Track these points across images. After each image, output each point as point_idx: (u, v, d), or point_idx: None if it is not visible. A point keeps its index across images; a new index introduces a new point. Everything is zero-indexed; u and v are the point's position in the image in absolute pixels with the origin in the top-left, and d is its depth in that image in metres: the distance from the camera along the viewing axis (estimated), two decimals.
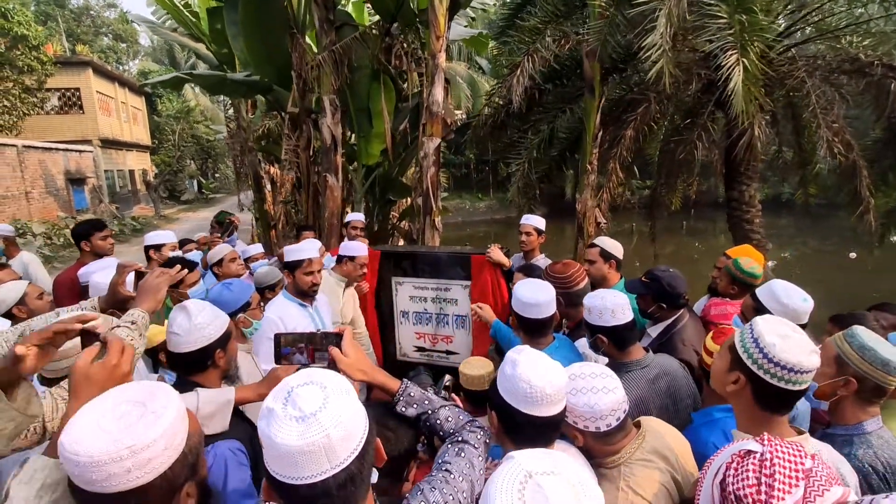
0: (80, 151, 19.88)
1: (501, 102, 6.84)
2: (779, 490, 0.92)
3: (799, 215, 19.50)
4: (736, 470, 0.98)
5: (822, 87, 5.60)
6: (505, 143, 7.87)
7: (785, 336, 1.29)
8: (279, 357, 1.38)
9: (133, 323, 1.52)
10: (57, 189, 17.73)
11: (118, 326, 1.50)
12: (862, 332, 1.59)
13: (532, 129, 7.29)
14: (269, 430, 0.83)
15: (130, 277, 1.75)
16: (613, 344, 2.00)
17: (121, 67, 33.25)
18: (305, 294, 2.88)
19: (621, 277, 3.08)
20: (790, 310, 1.98)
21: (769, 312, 2.00)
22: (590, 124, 5.54)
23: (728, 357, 1.39)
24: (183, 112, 28.17)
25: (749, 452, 0.98)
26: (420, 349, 4.23)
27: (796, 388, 1.26)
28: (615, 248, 3.13)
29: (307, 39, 6.41)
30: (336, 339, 1.37)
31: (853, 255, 14.45)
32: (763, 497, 0.92)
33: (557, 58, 6.32)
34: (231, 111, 12.63)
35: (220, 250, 3.67)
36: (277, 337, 1.38)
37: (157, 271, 1.68)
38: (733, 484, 0.97)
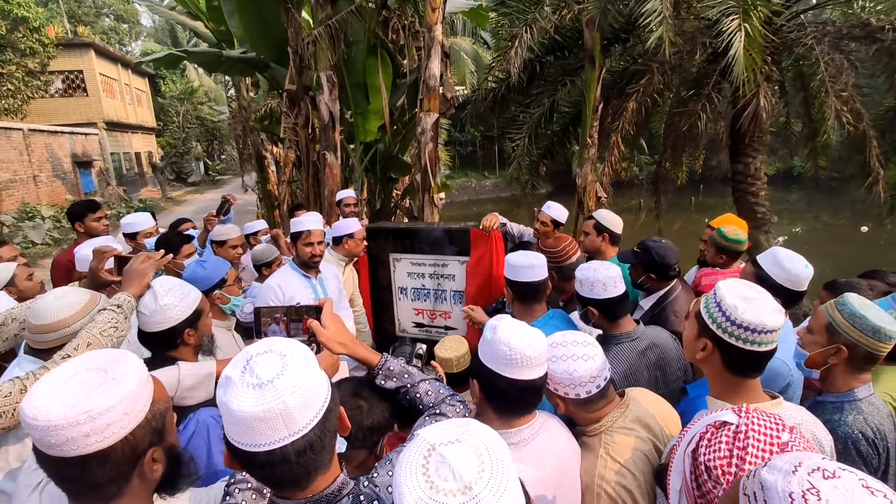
0: (86, 134, 19.93)
1: (501, 76, 6.71)
2: (750, 464, 0.89)
3: (810, 190, 19.22)
4: (709, 441, 0.96)
5: (830, 53, 5.41)
6: (506, 119, 7.75)
7: (747, 298, 1.28)
8: (258, 330, 1.39)
9: (119, 307, 1.56)
10: (64, 172, 17.85)
11: (104, 309, 1.54)
12: (853, 300, 1.57)
13: (533, 103, 7.16)
14: (226, 397, 0.84)
15: (111, 262, 1.79)
16: (604, 316, 2.00)
17: (123, 49, 33.05)
18: (308, 265, 2.94)
19: (617, 252, 3.07)
20: (792, 276, 1.97)
21: (771, 279, 1.99)
22: (590, 96, 5.42)
23: (695, 324, 1.38)
24: (186, 93, 28.05)
25: (724, 423, 0.96)
26: (419, 325, 4.25)
27: (762, 348, 1.25)
28: (613, 221, 3.10)
29: (303, 14, 6.29)
30: (315, 311, 1.37)
31: (864, 228, 14.23)
32: (733, 470, 0.90)
33: (558, 29, 6.16)
34: (232, 91, 12.55)
35: (227, 232, 3.62)
36: (257, 310, 1.39)
37: (141, 256, 1.70)
38: (705, 455, 0.95)
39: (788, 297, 1.98)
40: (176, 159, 28.24)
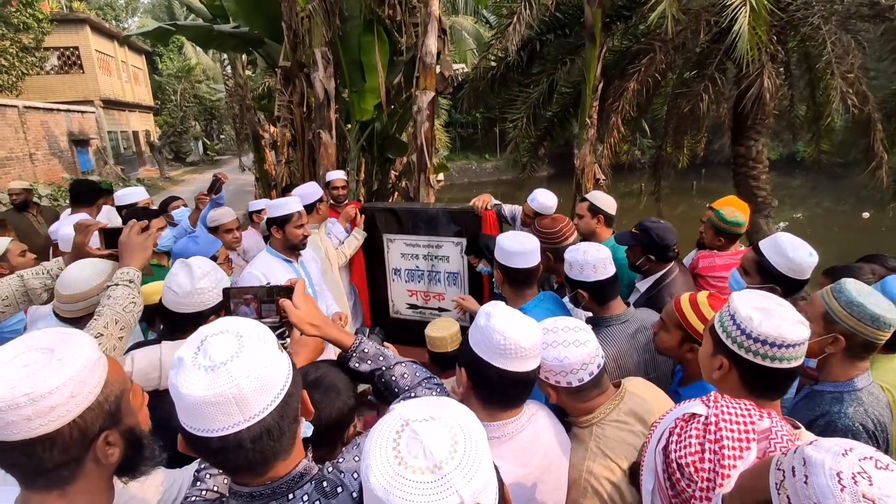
0: (83, 112, 19.71)
1: (501, 54, 6.57)
2: (729, 458, 0.83)
3: (813, 175, 19.07)
4: (679, 436, 0.89)
5: (838, 33, 5.28)
6: (506, 99, 7.61)
7: (764, 309, 1.17)
8: (228, 311, 1.33)
9: (131, 282, 1.52)
10: (61, 150, 17.70)
11: (116, 285, 1.49)
12: (850, 287, 1.51)
13: (533, 83, 7.03)
14: (177, 380, 0.79)
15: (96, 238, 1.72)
16: (594, 299, 1.96)
17: (119, 25, 32.50)
18: (293, 249, 2.84)
19: (613, 234, 3.01)
20: (795, 264, 1.88)
21: (772, 266, 1.91)
22: (590, 76, 5.30)
23: (710, 340, 1.28)
24: (184, 71, 27.66)
25: (693, 416, 0.90)
26: (412, 306, 4.23)
27: (784, 365, 1.13)
28: (607, 203, 3.04)
29: None
30: (286, 292, 1.31)
31: (866, 214, 14.15)
32: (706, 466, 0.84)
33: (559, 5, 6.02)
34: (228, 69, 12.37)
35: (218, 217, 3.51)
36: (226, 291, 1.33)
37: (134, 226, 1.62)
38: (676, 451, 0.89)
39: (790, 287, 1.91)
40: (174, 138, 27.98)
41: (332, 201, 4.26)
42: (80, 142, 19.12)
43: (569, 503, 1.35)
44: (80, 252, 1.67)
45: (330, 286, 3.38)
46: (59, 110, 17.91)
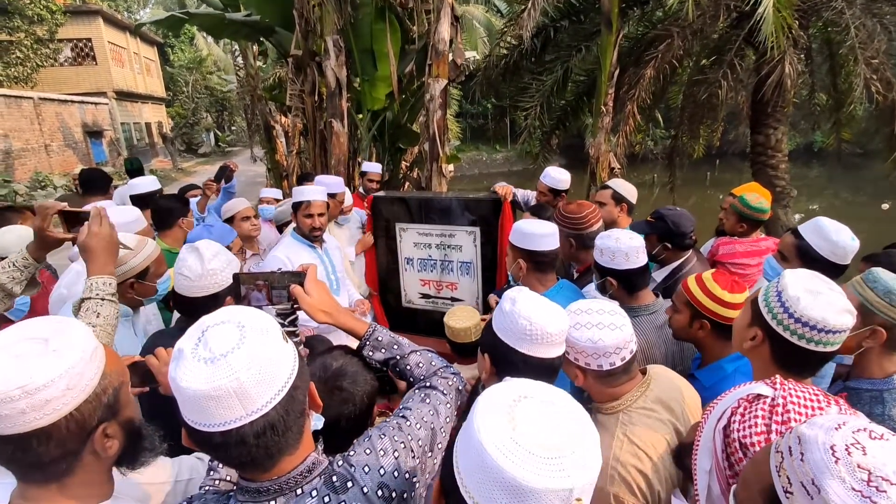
0: (96, 104, 19.90)
1: (514, 42, 6.47)
2: None
3: (831, 165, 18.68)
4: (742, 416, 0.87)
5: (862, 18, 5.12)
6: (518, 88, 7.50)
7: (813, 291, 1.14)
8: (238, 297, 1.31)
9: (114, 295, 1.41)
10: (75, 142, 17.90)
11: (102, 300, 1.39)
12: (884, 275, 1.43)
13: (547, 71, 6.92)
14: (176, 372, 0.76)
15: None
16: (623, 288, 1.91)
17: (131, 16, 32.65)
18: (306, 237, 2.84)
19: (632, 222, 2.97)
20: (839, 248, 1.82)
21: (814, 250, 1.85)
22: (606, 62, 5.19)
23: (749, 311, 1.27)
24: (195, 62, 27.78)
25: (759, 397, 0.88)
26: (425, 296, 4.20)
27: (820, 348, 1.12)
28: (629, 191, 2.99)
29: None
30: (298, 277, 1.29)
31: (885, 206, 13.85)
32: None
33: None
34: (240, 59, 12.37)
35: (231, 208, 3.44)
36: (236, 276, 1.30)
37: (97, 219, 1.46)
38: (739, 431, 0.86)
39: (831, 272, 1.82)
40: (186, 130, 28.16)
41: (361, 190, 4.28)
42: (93, 133, 19.32)
43: (595, 491, 1.32)
44: (40, 236, 1.53)
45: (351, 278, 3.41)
46: (73, 102, 18.10)
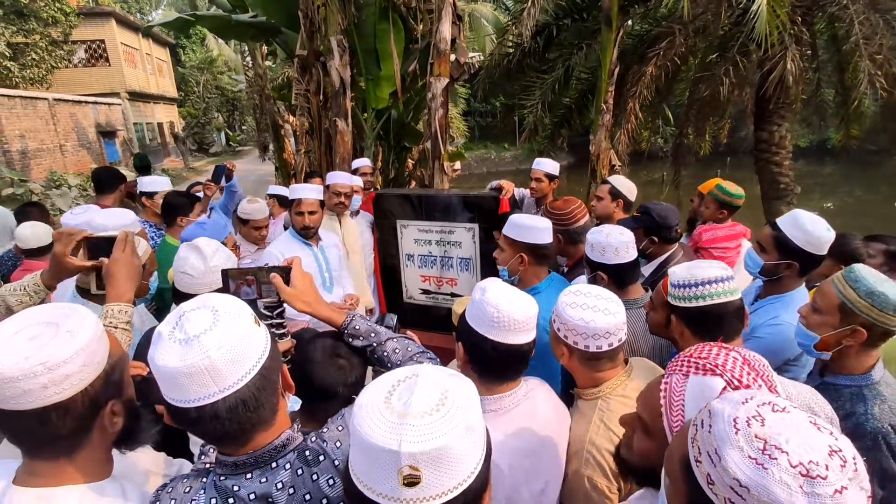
0: (109, 104, 20.17)
1: (517, 40, 6.49)
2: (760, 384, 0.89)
3: (844, 163, 18.39)
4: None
5: (866, 13, 5.08)
6: (522, 86, 7.52)
7: (689, 265, 1.45)
8: (227, 292, 1.35)
9: (129, 323, 1.41)
10: (89, 142, 18.17)
11: (115, 328, 1.37)
12: (866, 273, 1.43)
13: (549, 70, 6.94)
14: (154, 352, 0.83)
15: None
16: (614, 282, 1.95)
17: (143, 18, 33.07)
18: (300, 234, 2.92)
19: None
20: (814, 237, 1.86)
21: (791, 241, 1.88)
22: (606, 60, 5.21)
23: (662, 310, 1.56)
24: (206, 63, 28.07)
25: (723, 391, 0.89)
26: (426, 292, 4.26)
27: (709, 302, 1.44)
28: (628, 187, 3.03)
29: None
30: (284, 272, 1.34)
31: None
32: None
33: None
34: (249, 59, 12.51)
35: (256, 211, 3.46)
36: (224, 273, 1.36)
37: (127, 244, 1.45)
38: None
39: (808, 262, 1.89)
40: (197, 129, 28.49)
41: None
42: (107, 133, 19.60)
43: (569, 473, 1.37)
44: (60, 264, 1.47)
45: (352, 272, 3.46)
46: (86, 102, 18.37)
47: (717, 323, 1.45)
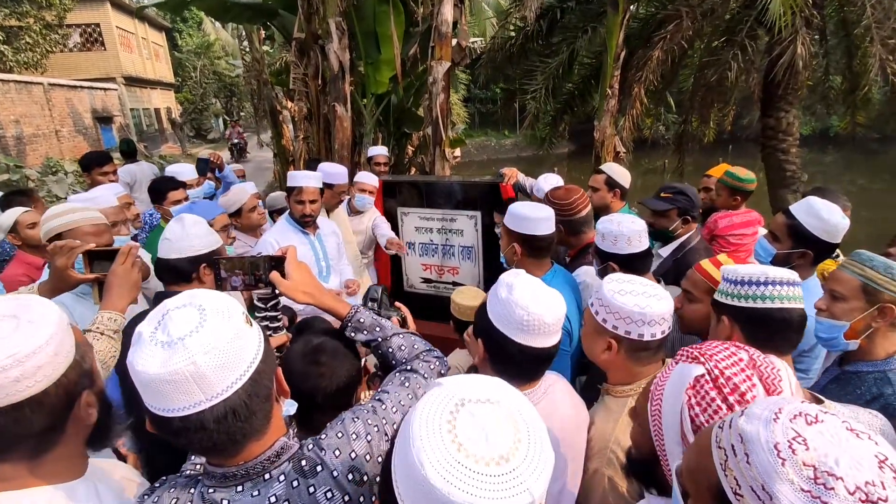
0: (105, 90, 19.95)
1: (520, 24, 6.36)
2: (750, 399, 0.79)
3: (847, 151, 18.30)
4: (699, 404, 0.83)
5: None
6: (525, 71, 7.39)
7: (750, 268, 1.31)
8: (218, 282, 1.29)
9: (117, 332, 1.40)
10: (85, 128, 17.99)
11: (101, 334, 1.36)
12: (873, 255, 1.43)
13: (553, 53, 6.80)
14: (133, 356, 0.75)
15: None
16: (625, 272, 1.89)
17: (139, 2, 32.64)
18: (298, 222, 2.83)
19: (625, 205, 2.96)
20: (831, 225, 1.81)
21: (806, 229, 1.84)
22: (612, 43, 5.09)
23: (714, 310, 1.41)
24: (203, 47, 27.72)
25: (697, 379, 0.85)
26: (426, 280, 4.21)
27: (771, 304, 1.27)
28: (623, 176, 2.96)
29: None
30: (278, 262, 1.28)
31: None
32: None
33: None
34: (245, 43, 12.31)
35: (237, 198, 3.19)
36: (217, 262, 1.29)
37: (129, 256, 1.46)
38: (708, 421, 0.82)
39: (822, 251, 1.85)
40: (195, 115, 28.23)
41: None
42: (103, 119, 19.40)
43: (589, 471, 1.31)
44: (61, 277, 1.46)
45: (350, 260, 3.40)
46: (82, 87, 18.15)
47: (781, 330, 1.28)
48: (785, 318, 1.26)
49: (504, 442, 0.59)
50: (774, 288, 1.26)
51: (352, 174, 4.24)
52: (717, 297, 1.39)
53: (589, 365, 2.05)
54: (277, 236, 2.73)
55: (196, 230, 1.75)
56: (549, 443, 0.63)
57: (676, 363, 0.91)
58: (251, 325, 0.84)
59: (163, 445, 0.86)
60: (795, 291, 1.27)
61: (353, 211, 3.78)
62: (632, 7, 5.55)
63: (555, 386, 1.36)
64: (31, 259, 2.64)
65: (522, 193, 3.65)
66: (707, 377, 0.83)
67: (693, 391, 0.84)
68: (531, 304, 1.17)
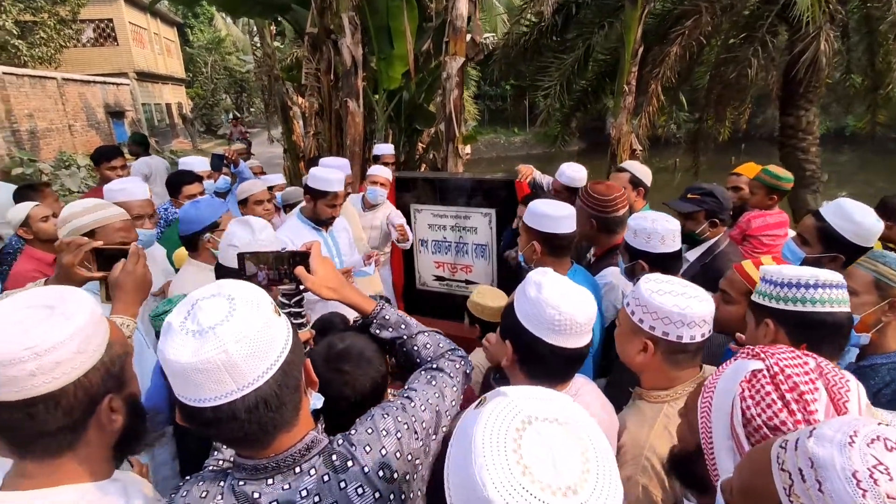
0: (118, 84, 20.09)
1: (534, 19, 6.27)
2: (811, 401, 0.74)
3: (864, 150, 17.98)
4: (753, 398, 0.79)
5: None
6: (538, 67, 7.30)
7: (792, 267, 1.27)
8: (242, 278, 1.27)
9: (129, 337, 1.35)
10: (98, 122, 18.13)
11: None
12: (886, 252, 1.48)
13: (568, 50, 6.71)
14: (164, 345, 0.74)
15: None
16: (655, 272, 1.84)
17: None
18: (319, 221, 2.83)
19: (646, 205, 2.88)
20: (864, 229, 1.75)
21: (837, 233, 1.77)
22: (629, 39, 5.00)
23: (752, 314, 1.35)
24: (214, 43, 27.85)
25: (754, 373, 0.80)
26: (439, 278, 4.17)
27: (818, 308, 1.22)
28: (645, 174, 2.89)
29: None
30: (303, 257, 1.25)
31: None
32: (799, 416, 0.74)
33: None
34: (257, 39, 12.32)
35: (250, 188, 3.32)
36: (241, 256, 1.26)
37: (132, 255, 1.42)
38: (760, 415, 0.78)
39: (854, 255, 1.76)
40: (206, 111, 28.38)
41: None
42: (115, 113, 19.54)
43: (621, 478, 1.26)
44: (68, 275, 1.41)
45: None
46: (95, 82, 18.28)
47: (830, 334, 1.22)
48: (836, 323, 1.21)
49: (572, 471, 0.55)
50: (824, 291, 1.20)
51: (363, 170, 4.21)
52: (756, 298, 1.32)
53: (609, 368, 2.00)
54: (291, 234, 2.71)
55: (265, 236, 1.74)
56: (619, 475, 0.60)
57: (735, 360, 0.86)
58: (279, 315, 0.83)
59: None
60: (843, 294, 1.22)
61: (368, 206, 3.74)
62: (650, 3, 5.44)
63: (584, 388, 1.32)
64: (41, 255, 2.61)
65: (542, 191, 3.59)
66: (765, 372, 0.79)
67: (748, 384, 0.80)
68: (562, 304, 1.13)
